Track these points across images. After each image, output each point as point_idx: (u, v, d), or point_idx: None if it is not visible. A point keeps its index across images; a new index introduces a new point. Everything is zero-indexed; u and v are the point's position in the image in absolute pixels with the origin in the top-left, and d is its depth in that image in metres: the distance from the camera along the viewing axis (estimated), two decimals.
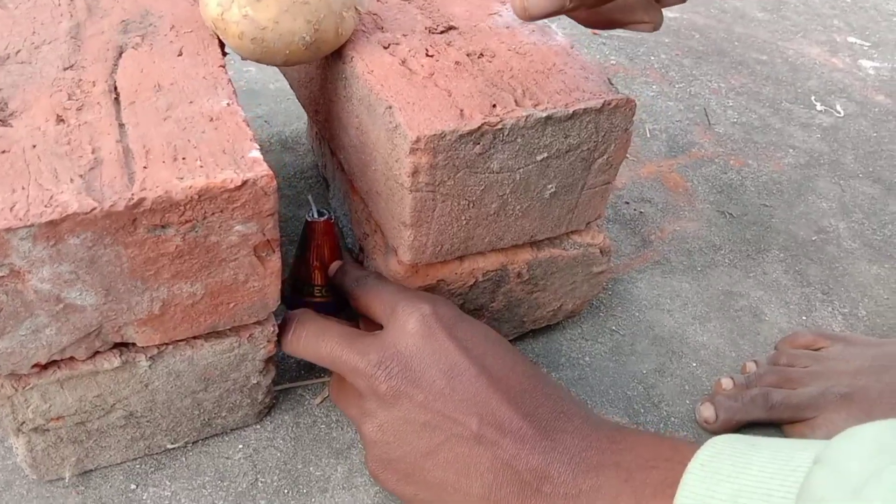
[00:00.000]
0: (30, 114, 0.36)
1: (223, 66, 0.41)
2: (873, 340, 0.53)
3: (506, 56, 0.45)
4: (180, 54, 0.41)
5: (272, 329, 0.41)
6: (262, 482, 0.44)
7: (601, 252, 0.50)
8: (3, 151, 0.34)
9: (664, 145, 0.76)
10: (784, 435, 0.50)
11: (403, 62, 0.44)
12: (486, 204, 0.43)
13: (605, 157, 0.45)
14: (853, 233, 0.68)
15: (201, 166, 0.34)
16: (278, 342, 0.42)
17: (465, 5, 0.50)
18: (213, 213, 0.34)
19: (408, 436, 0.38)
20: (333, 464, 0.45)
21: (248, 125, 0.37)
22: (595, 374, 0.52)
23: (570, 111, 0.41)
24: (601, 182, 0.46)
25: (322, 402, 0.48)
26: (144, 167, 0.34)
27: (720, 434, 0.49)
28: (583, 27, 0.43)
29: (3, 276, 0.32)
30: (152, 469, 0.44)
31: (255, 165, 0.34)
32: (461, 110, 0.40)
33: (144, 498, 0.42)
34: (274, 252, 0.37)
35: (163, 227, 0.33)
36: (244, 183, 0.34)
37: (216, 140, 0.36)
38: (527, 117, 0.40)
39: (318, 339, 0.41)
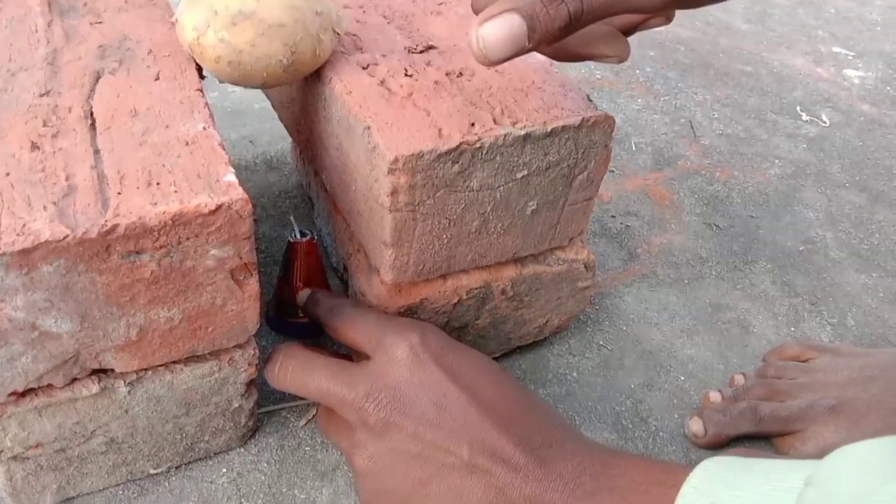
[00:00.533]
0: (5, 141, 0.36)
1: (200, 90, 0.41)
2: (861, 351, 0.53)
3: (485, 75, 0.45)
4: (157, 79, 0.41)
5: (253, 352, 0.41)
6: None
7: (585, 267, 0.50)
8: None
9: (650, 158, 0.76)
10: (773, 447, 0.50)
11: (382, 82, 0.44)
12: (467, 222, 0.43)
13: (585, 173, 0.45)
14: (840, 242, 0.68)
15: (176, 191, 0.34)
16: (262, 370, 0.42)
17: (446, 24, 0.50)
18: (188, 238, 0.34)
19: (399, 466, 0.37)
20: (318, 486, 0.45)
21: (224, 149, 0.37)
22: (583, 389, 0.52)
23: (549, 129, 0.41)
24: (583, 198, 0.46)
25: (307, 423, 0.48)
26: (119, 193, 0.34)
27: (710, 448, 0.49)
28: None
29: None
30: (135, 495, 0.43)
31: (230, 189, 0.34)
32: (440, 130, 0.40)
33: None
34: (252, 275, 0.37)
35: (137, 253, 0.33)
36: (219, 207, 0.33)
37: (191, 164, 0.36)
38: (505, 136, 0.40)
39: (304, 373, 0.41)
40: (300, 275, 0.49)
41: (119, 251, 0.33)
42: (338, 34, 0.44)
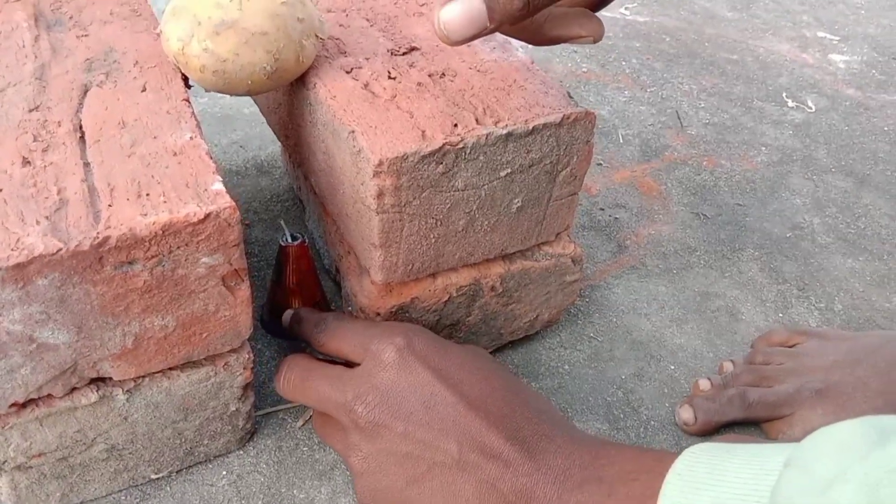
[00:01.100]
0: None
1: (187, 100, 0.42)
2: (848, 334, 0.54)
3: (467, 75, 0.46)
4: (144, 90, 0.42)
5: (247, 356, 0.42)
6: None
7: (573, 261, 0.51)
8: None
9: (637, 150, 0.77)
10: (763, 433, 0.51)
11: (366, 86, 0.44)
12: (454, 221, 0.44)
13: (568, 168, 0.45)
14: (827, 227, 0.69)
15: (165, 201, 0.34)
16: (258, 373, 0.43)
17: (428, 26, 0.51)
18: (178, 247, 0.35)
19: (392, 466, 0.38)
20: (317, 486, 0.45)
21: (212, 157, 0.38)
22: (574, 381, 0.53)
23: (530, 127, 0.42)
24: (567, 193, 0.47)
25: (304, 424, 0.49)
26: (109, 205, 0.34)
27: (700, 435, 0.50)
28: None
29: None
30: (137, 500, 0.44)
31: (217, 198, 0.35)
32: (423, 131, 0.41)
33: None
34: (243, 281, 0.38)
35: (129, 263, 0.34)
36: (207, 216, 0.34)
37: (179, 174, 0.36)
38: (487, 135, 0.41)
39: (303, 382, 0.42)
40: (293, 278, 0.49)
41: (112, 262, 0.34)
42: (321, 39, 0.45)
